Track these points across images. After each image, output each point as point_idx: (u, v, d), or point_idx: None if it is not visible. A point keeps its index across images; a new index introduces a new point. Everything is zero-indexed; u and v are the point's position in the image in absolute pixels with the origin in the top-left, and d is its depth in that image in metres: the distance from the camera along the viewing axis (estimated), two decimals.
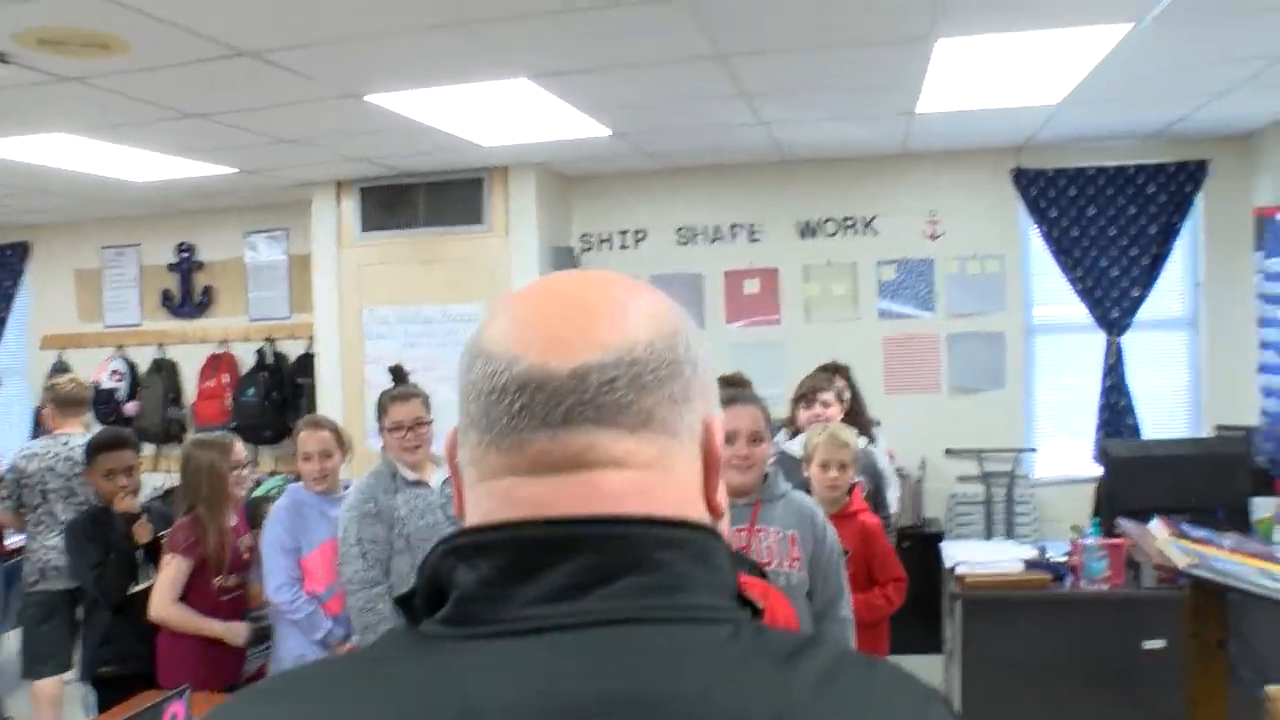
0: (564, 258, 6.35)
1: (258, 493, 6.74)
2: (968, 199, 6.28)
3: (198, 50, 3.58)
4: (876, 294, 6.42)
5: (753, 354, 6.50)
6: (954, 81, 4.55)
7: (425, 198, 6.27)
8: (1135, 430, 6.01)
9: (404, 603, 0.76)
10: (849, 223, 6.42)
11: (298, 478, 3.97)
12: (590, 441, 0.74)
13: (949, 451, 6.24)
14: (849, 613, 2.90)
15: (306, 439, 3.85)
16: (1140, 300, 6.02)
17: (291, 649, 3.76)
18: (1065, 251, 6.11)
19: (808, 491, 3.31)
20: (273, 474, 7.16)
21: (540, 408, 0.74)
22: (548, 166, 6.19)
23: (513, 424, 0.75)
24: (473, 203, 6.23)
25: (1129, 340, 6.07)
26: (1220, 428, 5.79)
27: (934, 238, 6.34)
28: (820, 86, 4.64)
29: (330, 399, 6.40)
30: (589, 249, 6.65)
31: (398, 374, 3.74)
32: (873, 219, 6.39)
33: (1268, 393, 5.71)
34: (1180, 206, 5.97)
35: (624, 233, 6.65)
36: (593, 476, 0.74)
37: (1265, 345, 5.78)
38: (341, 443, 3.91)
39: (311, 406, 6.55)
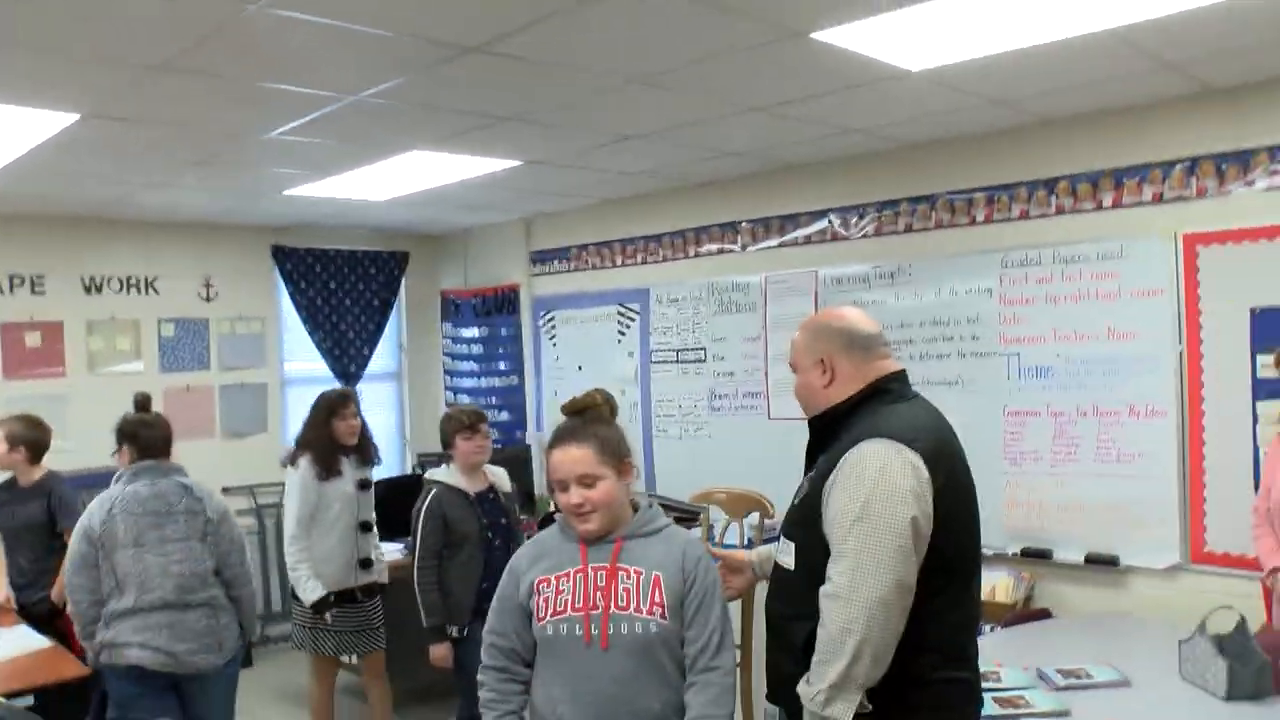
0: None
1: None
2: (236, 267, 7.18)
3: None
4: (158, 349, 6.84)
5: (35, 406, 6.30)
6: (356, 176, 5.67)
7: None
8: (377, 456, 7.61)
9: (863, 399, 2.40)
10: (133, 281, 6.73)
11: None
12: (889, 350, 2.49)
13: (225, 489, 6.97)
14: (727, 664, 2.47)
15: None
16: (368, 357, 7.69)
17: None
18: (311, 317, 7.46)
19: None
20: None
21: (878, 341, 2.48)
22: None
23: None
24: None
25: (361, 388, 7.68)
26: (421, 455, 7.77)
27: (209, 300, 7.06)
28: (254, 164, 5.27)
29: None
30: None
31: None
32: (155, 279, 6.82)
33: None
34: (393, 285, 7.86)
35: None
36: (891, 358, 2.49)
37: (449, 389, 8.01)
38: None
39: None
